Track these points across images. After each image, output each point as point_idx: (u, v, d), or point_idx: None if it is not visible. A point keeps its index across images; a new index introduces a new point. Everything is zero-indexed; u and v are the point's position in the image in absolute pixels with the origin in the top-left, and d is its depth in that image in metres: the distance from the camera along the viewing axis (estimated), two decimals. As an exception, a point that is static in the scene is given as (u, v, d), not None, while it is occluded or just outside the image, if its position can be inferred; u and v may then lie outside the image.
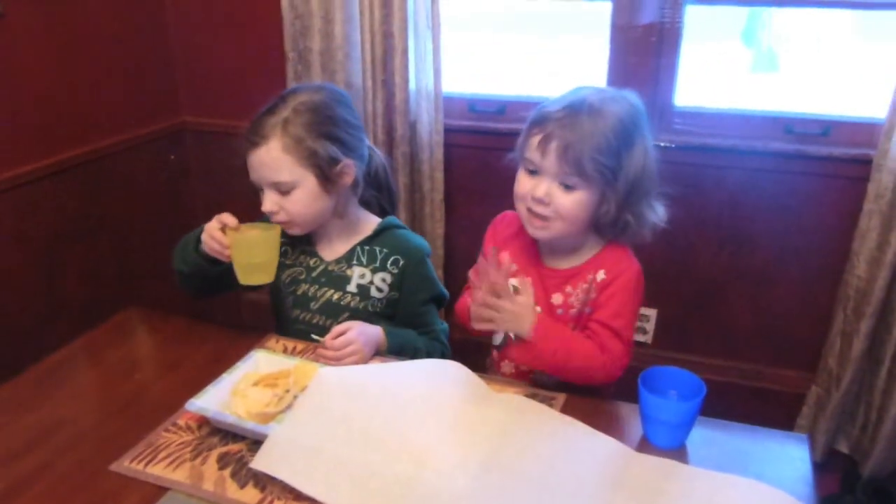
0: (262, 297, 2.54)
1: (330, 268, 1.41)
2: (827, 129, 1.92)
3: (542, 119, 1.18)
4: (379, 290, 1.40)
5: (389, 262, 1.41)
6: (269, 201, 1.31)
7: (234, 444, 1.07)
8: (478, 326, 1.19)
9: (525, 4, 3.97)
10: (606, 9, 2.01)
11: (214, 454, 1.05)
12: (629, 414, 1.14)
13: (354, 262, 1.41)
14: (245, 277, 1.28)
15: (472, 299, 1.19)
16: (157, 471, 1.02)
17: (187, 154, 2.59)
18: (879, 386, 1.95)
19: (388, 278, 1.41)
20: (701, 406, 1.04)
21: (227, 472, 1.02)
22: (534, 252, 1.32)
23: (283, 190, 1.30)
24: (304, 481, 0.96)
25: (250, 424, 1.05)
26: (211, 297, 1.44)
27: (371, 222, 1.45)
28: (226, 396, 1.12)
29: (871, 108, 1.89)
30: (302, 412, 1.03)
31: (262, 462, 0.99)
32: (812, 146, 1.92)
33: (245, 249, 1.27)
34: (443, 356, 1.38)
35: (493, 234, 1.39)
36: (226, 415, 1.07)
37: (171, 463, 1.04)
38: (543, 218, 1.20)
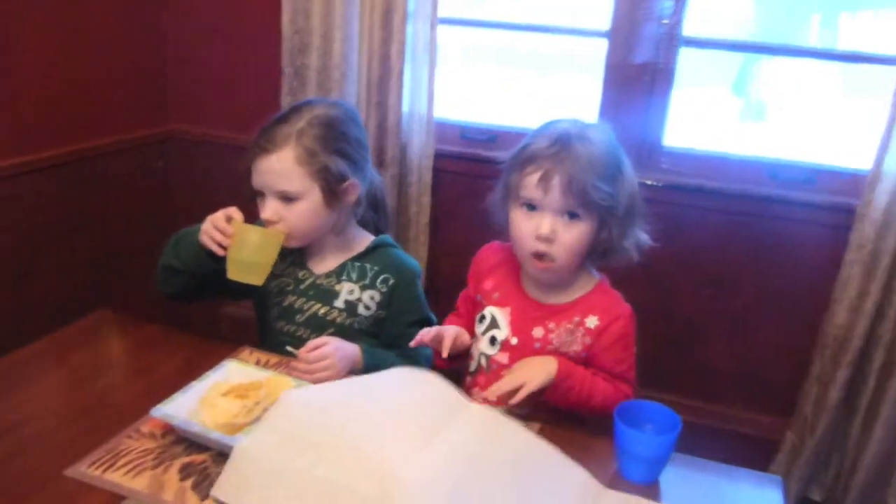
0: (241, 311, 2.53)
1: (319, 281, 1.40)
2: (812, 176, 1.95)
3: (533, 156, 1.18)
4: (367, 307, 1.39)
5: (379, 280, 1.39)
6: (270, 209, 1.30)
7: (199, 454, 1.04)
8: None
9: (524, 41, 4.02)
10: (603, 47, 2.04)
11: (177, 464, 1.02)
12: (604, 447, 1.13)
13: (344, 277, 1.39)
14: (236, 272, 1.26)
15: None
16: (116, 478, 0.99)
17: (173, 162, 2.57)
18: (854, 435, 1.95)
19: (377, 296, 1.39)
20: (676, 441, 1.03)
21: (188, 484, 0.99)
22: (517, 282, 1.31)
23: (287, 199, 1.29)
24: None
25: (216, 434, 1.02)
26: (189, 303, 1.41)
27: (365, 240, 1.44)
28: (193, 405, 1.09)
29: (855, 160, 1.92)
30: (266, 433, 1.00)
31: (222, 490, 0.96)
32: (797, 193, 1.94)
33: (247, 244, 1.26)
34: None
35: (477, 264, 1.38)
36: (192, 423, 1.04)
37: (131, 470, 1.01)
38: (549, 258, 1.19)
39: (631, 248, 1.23)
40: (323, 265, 1.40)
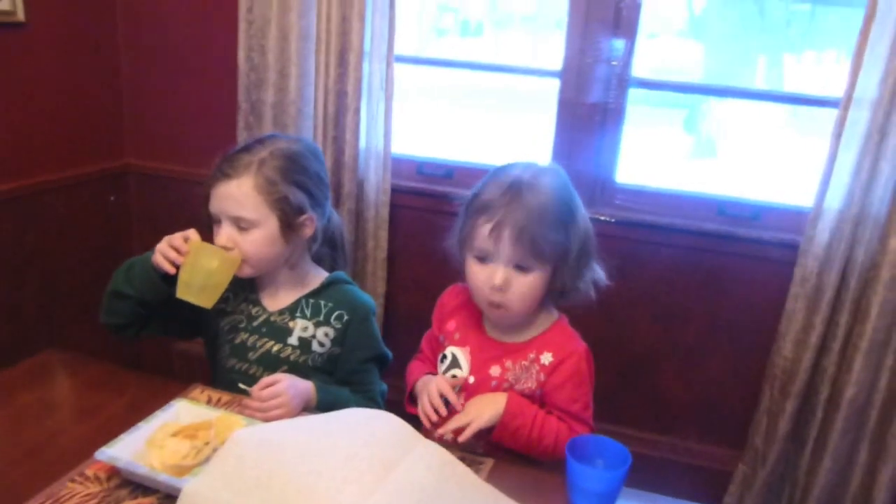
0: (193, 347, 2.48)
1: (272, 318, 1.39)
2: (757, 213, 2.01)
3: (485, 207, 1.18)
4: (321, 344, 1.38)
5: (333, 317, 1.39)
6: (225, 235, 1.29)
7: (145, 497, 1.02)
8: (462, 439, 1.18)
9: (480, 79, 4.10)
10: (556, 86, 2.09)
11: (122, 508, 1.00)
12: (556, 482, 1.13)
13: (298, 314, 1.38)
14: (185, 291, 1.24)
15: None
16: (59, 523, 0.96)
17: (129, 197, 2.54)
18: (804, 466, 1.99)
19: (332, 333, 1.39)
20: (626, 476, 1.04)
21: (134, 528, 0.97)
22: (478, 321, 1.32)
23: (243, 226, 1.29)
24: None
25: (164, 477, 1.00)
26: (134, 337, 1.37)
27: (319, 276, 1.43)
28: (140, 446, 1.07)
29: (799, 197, 1.99)
30: (215, 475, 0.98)
31: None
32: (743, 229, 2.00)
33: (200, 263, 1.24)
34: None
35: (441, 306, 1.39)
36: (138, 465, 1.02)
37: (75, 516, 0.98)
38: (504, 307, 1.20)
39: (587, 287, 1.24)
40: (276, 302, 1.40)
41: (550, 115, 2.12)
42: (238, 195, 1.28)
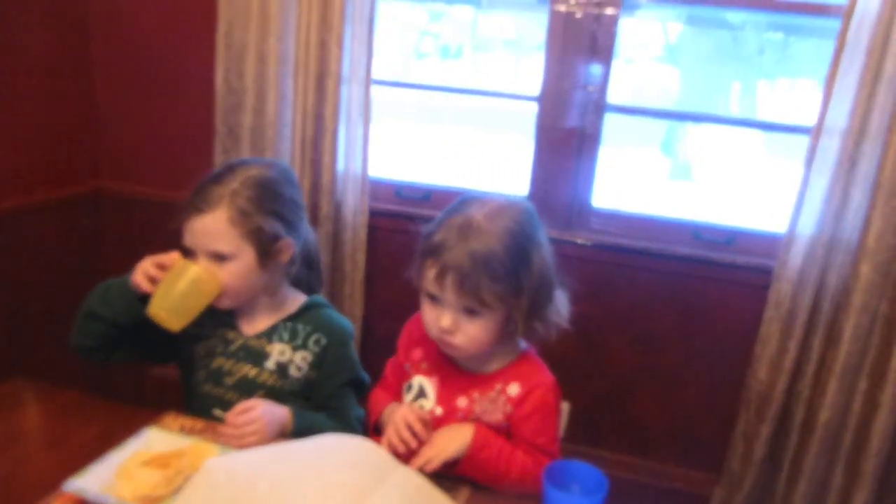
0: (167, 372, 2.44)
1: (250, 343, 1.37)
2: (732, 238, 2.03)
3: (433, 250, 1.15)
4: (298, 368, 1.36)
5: (311, 341, 1.38)
6: (202, 268, 1.28)
7: (114, 529, 1.00)
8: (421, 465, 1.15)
9: (460, 101, 4.14)
10: (534, 109, 2.11)
11: (90, 540, 0.98)
12: (532, 509, 1.13)
13: (275, 338, 1.37)
14: (158, 308, 1.22)
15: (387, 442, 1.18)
16: (23, 557, 0.94)
17: (103, 221, 2.51)
18: (780, 490, 2.00)
19: (309, 357, 1.37)
20: (602, 503, 1.04)
21: (101, 561, 0.94)
22: (445, 354, 1.29)
23: (219, 260, 1.28)
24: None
25: (133, 508, 0.98)
26: (104, 361, 1.34)
27: (297, 299, 1.42)
28: (110, 477, 1.05)
29: (774, 221, 2.02)
30: None
31: None
32: (717, 253, 2.02)
33: (180, 281, 1.23)
34: None
35: (408, 333, 1.36)
36: (107, 497, 1.00)
37: (41, 549, 0.95)
38: (454, 347, 1.19)
39: (543, 329, 1.20)
40: (253, 326, 1.38)
41: (529, 136, 2.14)
42: (212, 229, 1.27)
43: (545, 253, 1.19)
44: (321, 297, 1.45)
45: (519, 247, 1.15)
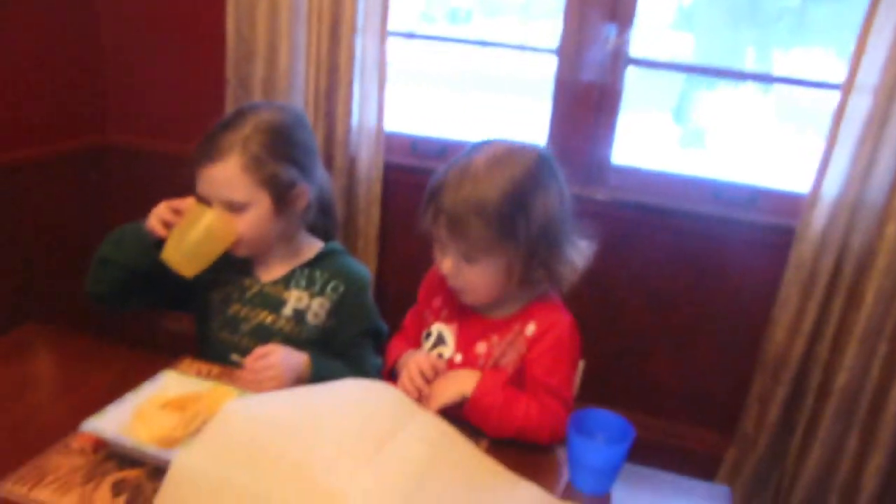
0: (180, 325, 2.43)
1: (266, 289, 1.35)
2: (754, 197, 1.99)
3: (433, 191, 1.14)
4: (316, 315, 1.34)
5: (329, 288, 1.35)
6: None
7: (133, 469, 0.98)
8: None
9: (475, 63, 4.07)
10: (552, 65, 2.05)
11: (109, 480, 0.96)
12: (556, 457, 1.11)
13: (293, 284, 1.35)
14: (172, 252, 1.19)
15: (401, 383, 1.17)
16: (43, 496, 0.93)
17: (110, 174, 2.48)
18: (793, 452, 1.99)
19: (327, 304, 1.35)
20: (628, 451, 1.02)
21: (120, 500, 0.93)
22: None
23: (235, 209, 1.25)
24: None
25: (152, 448, 0.96)
26: (119, 307, 1.32)
27: (314, 246, 1.39)
28: (127, 418, 1.03)
29: (793, 183, 1.98)
30: (205, 447, 0.94)
31: None
32: (738, 212, 1.99)
33: (196, 226, 1.20)
34: None
35: (429, 281, 1.35)
36: (125, 437, 0.98)
37: (60, 488, 0.94)
38: (464, 292, 1.18)
39: (550, 277, 1.17)
40: (270, 273, 1.36)
41: (546, 99, 2.09)
42: (225, 178, 1.23)
43: (553, 200, 1.15)
44: (338, 244, 1.42)
45: (518, 194, 1.11)
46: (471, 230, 1.09)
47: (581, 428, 1.04)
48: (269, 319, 1.33)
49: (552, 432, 1.13)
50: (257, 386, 1.16)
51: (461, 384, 1.15)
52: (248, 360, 1.18)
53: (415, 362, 1.18)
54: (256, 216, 1.26)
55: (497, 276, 1.15)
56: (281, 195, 1.27)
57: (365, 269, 1.42)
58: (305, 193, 1.31)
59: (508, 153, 1.15)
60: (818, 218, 1.83)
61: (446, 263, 1.15)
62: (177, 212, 1.23)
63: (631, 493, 1.05)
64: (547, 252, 1.14)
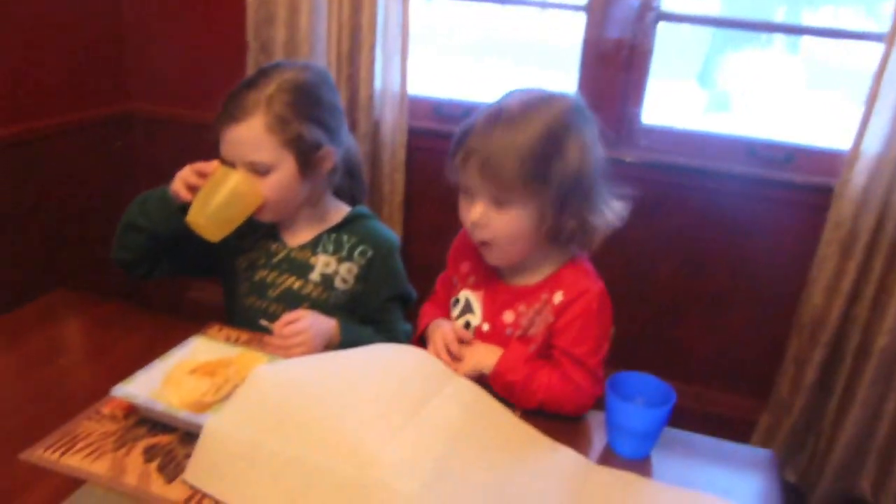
0: (205, 295, 2.44)
1: (293, 254, 1.32)
2: (791, 155, 1.93)
3: (463, 135, 1.09)
4: (344, 280, 1.32)
5: (357, 252, 1.33)
6: None
7: (164, 435, 0.97)
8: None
9: (499, 30, 3.99)
10: (580, 25, 1.99)
11: (140, 445, 0.95)
12: (594, 421, 1.09)
13: (320, 249, 1.32)
14: (197, 216, 1.17)
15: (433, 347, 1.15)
16: (74, 462, 0.92)
17: (134, 142, 2.47)
18: (830, 416, 1.94)
19: (355, 269, 1.32)
20: (669, 416, 0.99)
21: (153, 466, 0.92)
22: (491, 266, 1.21)
23: (260, 171, 1.22)
24: (238, 498, 0.87)
25: (183, 413, 0.95)
26: (145, 275, 1.31)
27: (341, 210, 1.37)
28: (157, 384, 1.02)
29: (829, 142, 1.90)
30: (236, 412, 0.93)
31: (194, 474, 0.90)
32: (775, 172, 1.92)
33: (221, 189, 1.18)
34: None
35: (457, 246, 1.29)
36: (156, 402, 0.97)
37: (91, 454, 0.93)
38: (489, 245, 1.12)
39: (581, 230, 1.11)
40: (297, 237, 1.33)
41: (568, 73, 2.03)
42: (250, 139, 1.20)
43: (588, 147, 1.09)
44: (366, 208, 1.39)
45: (552, 136, 1.06)
46: (504, 170, 1.04)
47: (619, 391, 1.01)
48: (297, 285, 1.31)
49: (575, 406, 1.10)
50: (286, 352, 1.14)
51: (480, 360, 1.12)
52: (277, 326, 1.17)
53: (441, 335, 1.15)
54: (281, 179, 1.23)
55: (527, 225, 1.09)
56: (306, 157, 1.24)
57: (393, 233, 1.39)
58: (331, 155, 1.28)
59: (542, 98, 1.10)
60: (859, 175, 1.77)
61: (475, 211, 1.09)
62: (202, 175, 1.21)
63: (670, 457, 1.02)
64: (580, 202, 1.09)
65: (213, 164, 1.21)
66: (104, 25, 2.28)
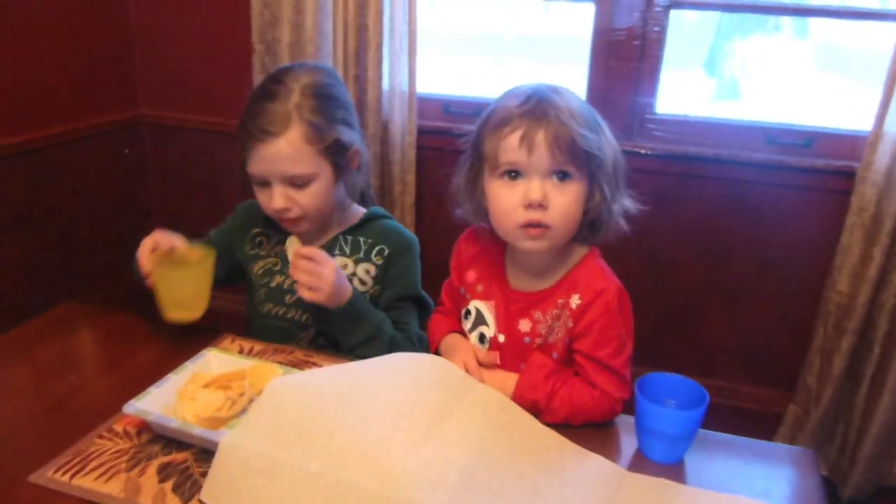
0: (219, 303, 2.41)
1: None
2: (810, 140, 1.88)
3: (508, 117, 1.03)
4: (362, 282, 1.29)
5: (374, 253, 1.29)
6: (282, 197, 1.18)
7: (179, 452, 0.94)
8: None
9: (508, 29, 3.96)
10: (589, 18, 1.95)
11: (154, 464, 0.92)
12: (623, 425, 1.05)
13: (336, 251, 1.29)
14: (170, 312, 1.15)
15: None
16: (86, 483, 0.89)
17: (144, 149, 2.46)
18: (859, 405, 1.89)
19: (373, 270, 1.29)
20: (703, 418, 0.95)
21: (168, 486, 0.89)
22: (500, 272, 1.17)
23: (299, 184, 1.18)
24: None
25: (198, 430, 0.92)
26: None
27: (356, 211, 1.34)
28: (171, 399, 0.99)
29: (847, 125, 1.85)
30: (253, 426, 0.90)
31: (211, 493, 0.87)
32: (794, 157, 1.88)
33: (166, 281, 1.14)
34: None
35: (458, 254, 1.24)
36: (170, 419, 0.94)
37: (104, 474, 0.90)
38: (544, 225, 1.04)
39: (617, 215, 1.08)
40: (313, 241, 1.30)
41: (576, 68, 1.99)
42: (288, 152, 1.16)
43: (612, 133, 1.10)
44: (381, 209, 1.36)
45: (591, 108, 1.07)
46: (574, 136, 1.00)
47: (648, 394, 0.96)
48: None
49: (603, 413, 1.05)
50: (299, 287, 1.15)
51: (499, 388, 1.05)
52: (305, 253, 1.15)
53: (461, 361, 1.11)
54: (321, 187, 1.20)
55: (581, 203, 1.05)
56: (340, 160, 1.21)
57: (410, 233, 1.35)
58: (359, 154, 1.26)
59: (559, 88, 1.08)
60: (882, 157, 1.72)
61: (535, 191, 1.02)
62: (140, 265, 1.16)
63: (704, 460, 0.98)
64: (611, 186, 1.06)
65: (158, 241, 1.16)
66: (111, 33, 2.28)
